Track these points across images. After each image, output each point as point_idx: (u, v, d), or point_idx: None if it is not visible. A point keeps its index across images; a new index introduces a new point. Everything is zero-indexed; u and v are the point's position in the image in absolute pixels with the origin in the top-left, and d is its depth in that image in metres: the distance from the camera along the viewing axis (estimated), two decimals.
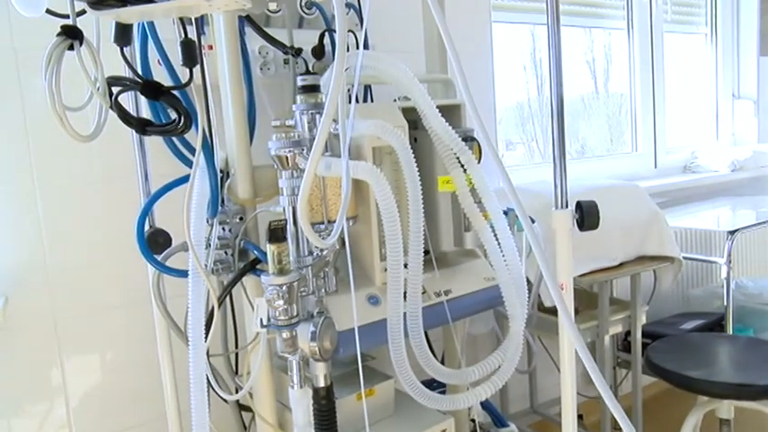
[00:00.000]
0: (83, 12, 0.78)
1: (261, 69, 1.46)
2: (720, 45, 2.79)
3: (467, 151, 1.07)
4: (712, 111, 2.84)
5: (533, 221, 1.39)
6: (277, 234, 0.85)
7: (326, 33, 1.45)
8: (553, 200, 1.06)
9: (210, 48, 1.27)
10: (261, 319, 0.88)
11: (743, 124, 2.84)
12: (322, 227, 1.01)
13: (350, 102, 0.97)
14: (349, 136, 0.93)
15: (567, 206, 1.06)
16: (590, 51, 2.50)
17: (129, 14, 0.78)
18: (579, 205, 1.04)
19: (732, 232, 1.88)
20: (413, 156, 1.00)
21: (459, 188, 1.10)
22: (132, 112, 1.11)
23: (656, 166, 2.59)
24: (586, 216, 1.03)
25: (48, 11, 0.78)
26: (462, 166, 1.09)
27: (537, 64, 2.34)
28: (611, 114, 2.59)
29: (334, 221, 0.99)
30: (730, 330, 1.94)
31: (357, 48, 1.48)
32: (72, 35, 0.73)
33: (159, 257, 1.11)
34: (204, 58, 1.09)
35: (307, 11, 1.52)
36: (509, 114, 2.31)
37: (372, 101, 1.44)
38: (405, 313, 1.02)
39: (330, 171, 0.89)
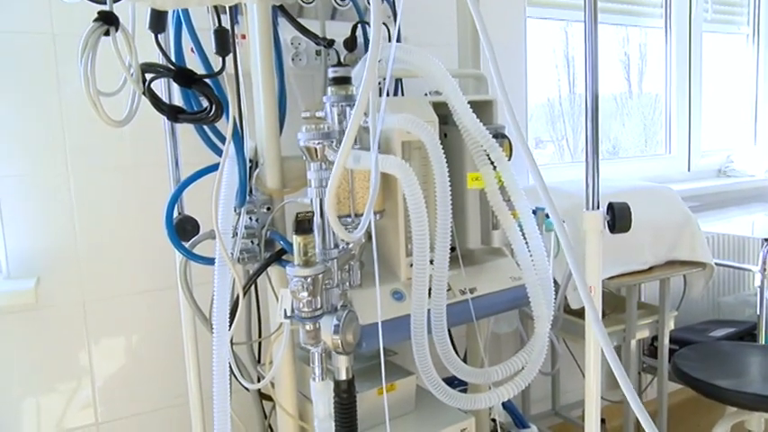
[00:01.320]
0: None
1: (293, 60, 1.46)
2: (763, 46, 2.71)
3: (497, 148, 1.06)
4: (751, 113, 2.77)
5: (563, 221, 1.37)
6: (304, 225, 0.85)
7: (359, 25, 1.44)
8: (584, 200, 1.04)
9: (243, 37, 1.28)
10: (285, 310, 0.88)
11: None
12: (349, 220, 1.00)
13: (380, 95, 0.97)
14: (379, 129, 0.92)
15: (598, 207, 1.04)
16: (625, 49, 2.45)
17: (165, 2, 0.78)
18: (611, 207, 1.02)
19: (767, 239, 1.83)
20: (442, 151, 0.99)
21: (488, 185, 1.08)
22: (165, 99, 1.12)
23: (689, 169, 2.53)
24: (618, 218, 1.00)
25: None
26: (492, 163, 1.07)
27: (569, 62, 2.30)
28: (645, 114, 2.54)
29: (362, 215, 0.98)
30: (762, 340, 1.89)
31: (390, 40, 1.47)
32: (108, 21, 0.73)
33: (187, 244, 1.12)
34: (237, 48, 1.10)
35: (340, 2, 1.51)
36: (539, 112, 2.28)
37: (403, 94, 1.43)
38: (429, 310, 1.02)
39: (359, 164, 0.88)
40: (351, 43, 1.44)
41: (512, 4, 1.90)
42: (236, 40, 1.24)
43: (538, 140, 2.32)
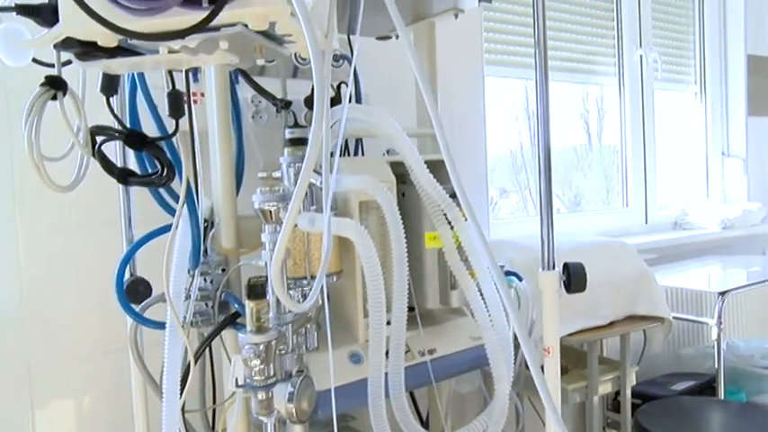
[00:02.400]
0: (69, 62, 0.78)
1: (253, 117, 1.46)
2: (710, 103, 2.84)
3: (454, 208, 1.06)
4: (702, 168, 2.87)
5: (521, 279, 1.38)
6: (256, 290, 0.83)
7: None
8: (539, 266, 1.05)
9: (202, 95, 1.28)
10: (236, 379, 0.85)
11: (733, 182, 2.86)
12: (305, 282, 0.99)
13: (339, 156, 0.97)
14: (332, 192, 0.92)
15: (554, 267, 1.05)
16: (583, 104, 2.53)
17: (118, 66, 0.77)
18: (566, 267, 1.03)
19: (723, 293, 1.87)
20: (399, 212, 0.99)
21: (445, 245, 1.08)
22: (120, 157, 1.11)
23: (646, 222, 2.59)
24: (574, 278, 1.01)
25: (34, 60, 0.78)
26: (449, 222, 1.08)
27: (529, 114, 2.36)
28: (606, 166, 2.61)
29: None
30: (722, 394, 1.90)
31: (350, 100, 1.49)
32: (56, 86, 0.72)
33: (138, 307, 1.09)
34: (194, 106, 1.09)
35: (301, 61, 1.53)
36: (503, 162, 2.32)
37: (363, 153, 1.44)
38: (387, 373, 0.99)
39: (313, 227, 0.87)
40: (311, 102, 1.45)
41: (470, 64, 1.95)
42: (195, 98, 1.24)
43: (502, 190, 2.35)
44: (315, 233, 0.96)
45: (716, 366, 1.90)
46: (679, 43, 2.74)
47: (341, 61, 1.55)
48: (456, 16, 1.30)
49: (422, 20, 1.37)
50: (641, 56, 2.52)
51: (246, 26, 0.66)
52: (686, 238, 2.49)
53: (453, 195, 1.11)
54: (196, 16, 0.61)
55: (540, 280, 1.04)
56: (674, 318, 1.80)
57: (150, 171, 0.96)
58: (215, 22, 0.62)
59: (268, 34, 0.70)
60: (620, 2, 2.47)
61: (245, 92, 1.39)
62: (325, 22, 0.75)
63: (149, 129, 1.08)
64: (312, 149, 0.57)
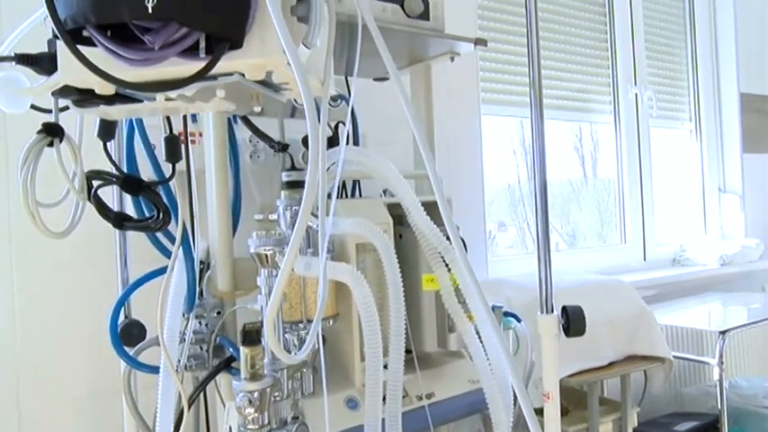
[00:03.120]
0: (66, 107, 0.78)
1: (251, 157, 1.46)
2: (705, 140, 2.86)
3: (451, 250, 1.06)
4: (699, 204, 2.87)
5: (519, 320, 1.36)
6: (251, 336, 0.82)
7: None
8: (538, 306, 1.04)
9: (200, 135, 1.28)
10: (230, 427, 0.83)
11: (730, 218, 2.86)
12: (301, 326, 0.98)
13: (335, 198, 0.97)
14: (328, 235, 0.92)
15: (552, 310, 1.04)
16: (577, 138, 2.55)
17: (115, 112, 0.78)
18: (565, 310, 1.02)
19: (723, 332, 1.85)
20: (396, 254, 0.99)
21: (443, 288, 1.07)
22: (116, 201, 1.10)
23: (645, 259, 2.58)
24: (572, 322, 1.00)
25: (32, 106, 0.78)
26: (447, 264, 1.07)
27: (526, 149, 2.38)
28: (602, 199, 2.61)
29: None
30: None
31: (347, 139, 1.50)
32: (52, 133, 0.72)
33: (132, 351, 1.07)
34: (191, 146, 1.10)
35: (298, 101, 1.54)
36: (501, 196, 2.33)
37: (360, 194, 1.44)
38: (384, 419, 0.98)
39: (309, 271, 0.87)
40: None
41: (467, 102, 1.97)
42: (193, 139, 1.24)
43: (500, 224, 2.35)
44: (311, 277, 0.96)
45: (719, 406, 1.87)
46: (673, 81, 2.78)
47: (339, 101, 1.56)
48: (452, 59, 1.32)
49: (418, 63, 1.39)
50: (636, 94, 2.55)
51: (243, 75, 0.67)
52: (685, 275, 2.48)
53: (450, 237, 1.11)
54: (193, 66, 0.62)
55: (538, 324, 1.03)
56: (674, 357, 1.78)
57: (147, 214, 0.95)
58: (212, 72, 0.62)
59: (265, 82, 0.71)
60: (615, 41, 2.51)
61: (242, 131, 1.40)
62: (321, 69, 0.75)
63: (146, 169, 1.08)
64: (307, 200, 0.56)
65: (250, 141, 1.46)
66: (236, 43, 0.61)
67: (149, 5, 0.56)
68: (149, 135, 1.08)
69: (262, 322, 0.86)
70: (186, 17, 0.57)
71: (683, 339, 2.15)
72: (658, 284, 2.38)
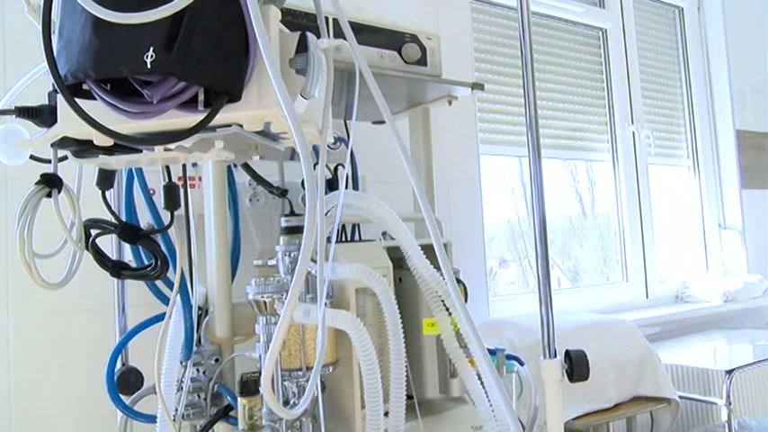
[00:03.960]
0: (65, 157, 0.79)
1: (250, 200, 1.47)
2: (703, 177, 2.87)
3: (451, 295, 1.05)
4: (700, 241, 2.87)
5: (522, 363, 1.34)
6: (249, 387, 0.81)
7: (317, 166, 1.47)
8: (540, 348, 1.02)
9: (200, 179, 1.29)
10: None
11: (731, 254, 2.85)
12: (300, 374, 0.96)
13: (333, 242, 0.97)
14: (327, 281, 0.91)
15: (555, 355, 1.02)
16: (574, 176, 2.55)
17: (114, 162, 0.78)
18: (568, 355, 1.00)
19: (730, 371, 1.83)
20: (396, 298, 0.98)
21: (443, 332, 1.06)
22: (115, 248, 1.10)
23: (647, 296, 2.57)
24: (576, 367, 0.99)
25: (31, 156, 0.79)
26: (447, 309, 1.06)
27: (524, 185, 2.38)
28: (602, 235, 2.61)
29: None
30: None
31: (346, 181, 1.50)
32: (51, 183, 0.72)
33: (129, 400, 1.05)
34: (191, 190, 1.10)
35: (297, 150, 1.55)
36: (501, 232, 2.32)
37: (360, 237, 1.44)
38: None
39: (308, 319, 0.86)
40: None
41: (465, 143, 1.98)
42: (191, 182, 1.24)
43: (501, 260, 2.34)
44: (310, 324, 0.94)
45: None
46: (670, 119, 2.80)
47: (338, 144, 1.58)
48: (450, 103, 1.34)
49: (416, 106, 1.40)
50: (633, 132, 2.57)
51: (242, 126, 0.67)
52: (688, 312, 2.46)
53: (457, 280, 1.10)
54: (192, 119, 0.63)
55: (541, 369, 1.02)
56: (680, 398, 1.75)
57: (145, 262, 0.95)
58: (210, 123, 0.63)
59: (263, 132, 0.71)
60: (610, 81, 2.54)
61: (242, 174, 1.41)
62: (320, 118, 0.76)
63: (145, 212, 1.08)
64: (306, 250, 0.56)
65: (249, 185, 1.46)
66: (234, 96, 0.62)
67: (148, 61, 0.57)
68: (148, 180, 1.09)
69: (260, 372, 0.85)
70: (185, 72, 0.58)
71: (688, 379, 2.12)
72: (661, 322, 2.36)
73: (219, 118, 0.63)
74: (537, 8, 2.31)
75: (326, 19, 1.09)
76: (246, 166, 1.29)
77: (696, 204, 2.87)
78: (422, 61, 1.22)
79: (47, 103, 0.73)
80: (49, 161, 0.79)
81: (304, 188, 1.47)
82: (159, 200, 1.07)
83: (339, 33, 0.79)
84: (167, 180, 0.91)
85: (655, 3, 2.81)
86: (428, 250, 1.06)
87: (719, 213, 2.88)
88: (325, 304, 0.82)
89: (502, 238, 2.33)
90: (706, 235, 2.86)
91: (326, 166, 1.44)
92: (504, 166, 2.32)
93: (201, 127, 0.60)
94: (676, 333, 2.40)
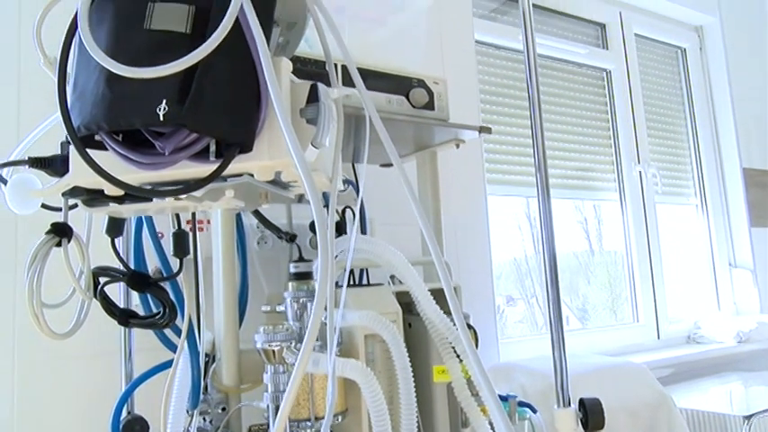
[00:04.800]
0: (75, 205, 0.79)
1: (258, 243, 1.46)
2: (712, 216, 2.85)
3: (461, 341, 1.03)
4: (711, 280, 2.84)
5: (535, 411, 1.31)
6: None
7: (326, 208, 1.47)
8: (554, 396, 1.00)
9: (208, 222, 1.29)
10: None
11: (743, 294, 2.81)
12: (309, 423, 0.94)
13: (344, 289, 0.96)
14: (338, 331, 0.90)
15: (569, 403, 1.00)
16: (581, 213, 2.54)
17: (124, 210, 0.78)
18: (582, 403, 0.98)
19: (748, 417, 1.78)
20: (406, 345, 0.96)
21: (454, 379, 1.04)
22: (123, 296, 1.09)
23: (658, 337, 2.53)
24: (591, 416, 0.96)
25: (42, 205, 0.79)
26: (458, 355, 1.04)
27: (531, 222, 2.37)
28: (610, 272, 2.58)
29: (322, 417, 0.93)
30: None
31: (353, 222, 1.50)
32: (61, 233, 0.72)
33: None
34: (199, 233, 1.10)
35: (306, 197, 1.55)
36: (507, 269, 2.30)
37: (368, 280, 1.43)
38: None
39: (318, 368, 0.84)
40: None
41: (472, 184, 1.99)
42: (200, 225, 1.24)
43: (509, 298, 2.32)
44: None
45: None
46: (676, 158, 2.81)
47: (346, 186, 1.58)
48: (457, 146, 1.34)
49: (424, 150, 1.41)
50: (640, 172, 2.57)
51: (252, 175, 0.67)
52: (702, 354, 2.41)
53: (468, 326, 1.08)
54: (203, 169, 0.63)
55: (555, 419, 0.99)
56: None
57: (153, 309, 0.94)
58: (222, 174, 0.63)
59: (274, 181, 0.71)
60: (616, 121, 2.56)
61: (250, 217, 1.41)
62: (330, 166, 0.76)
63: (153, 256, 1.08)
64: (318, 306, 0.55)
65: (258, 227, 1.46)
66: (246, 147, 0.62)
67: (161, 113, 0.57)
68: (157, 222, 1.09)
69: (268, 424, 0.83)
70: (197, 124, 0.58)
71: (704, 424, 2.06)
72: (674, 364, 2.31)
73: (230, 168, 0.63)
74: (541, 50, 2.34)
75: (336, 65, 1.10)
76: (255, 211, 1.30)
77: (705, 243, 2.85)
78: (429, 105, 1.23)
79: (59, 152, 0.73)
80: (59, 209, 0.79)
81: (312, 231, 1.48)
82: (167, 243, 1.07)
83: (348, 79, 0.80)
84: (177, 226, 0.91)
85: (657, 44, 2.84)
86: (438, 294, 1.05)
87: (729, 252, 2.86)
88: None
89: (509, 276, 2.31)
90: (716, 274, 2.83)
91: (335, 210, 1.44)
92: (511, 203, 2.32)
93: (213, 178, 0.60)
94: (690, 375, 2.35)
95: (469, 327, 1.13)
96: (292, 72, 0.70)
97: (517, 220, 2.36)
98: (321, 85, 0.68)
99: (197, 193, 0.69)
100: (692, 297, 2.76)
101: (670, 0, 2.76)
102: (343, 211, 1.46)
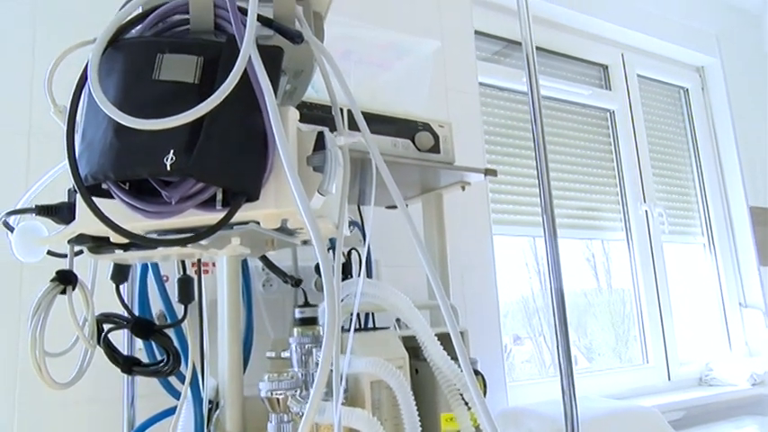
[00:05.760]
0: (81, 251, 0.78)
1: (263, 286, 1.45)
2: (720, 255, 2.83)
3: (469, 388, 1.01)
4: (721, 320, 2.80)
5: None
6: None
7: (331, 251, 1.47)
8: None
9: (213, 264, 1.28)
10: None
11: (755, 334, 2.77)
12: None
13: (351, 337, 0.94)
14: (344, 379, 0.88)
15: None
16: (589, 251, 2.53)
17: (129, 257, 0.78)
18: None
19: None
20: (413, 391, 0.94)
21: (463, 428, 1.02)
22: (127, 343, 1.08)
23: (669, 379, 2.48)
24: None
25: (48, 252, 0.78)
26: (466, 402, 1.02)
27: (538, 260, 2.36)
28: (617, 310, 2.55)
29: None
30: None
31: (360, 264, 1.49)
32: (66, 281, 0.72)
33: None
34: (204, 276, 1.09)
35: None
36: (515, 308, 2.28)
37: (374, 323, 1.41)
38: None
39: (323, 417, 0.83)
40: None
41: (478, 224, 1.98)
42: (205, 267, 1.24)
43: (516, 337, 2.28)
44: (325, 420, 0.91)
45: None
46: (682, 197, 2.80)
47: (352, 228, 1.58)
48: (463, 188, 1.34)
49: (430, 192, 1.41)
50: (646, 211, 2.56)
51: (259, 224, 0.67)
52: (715, 396, 2.36)
53: (475, 372, 1.07)
54: (209, 217, 0.62)
55: None
56: None
57: (157, 356, 0.93)
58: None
59: (280, 228, 0.71)
60: (621, 160, 2.56)
61: (255, 259, 1.40)
62: (336, 212, 0.76)
63: (157, 301, 1.07)
64: (326, 360, 0.54)
65: (263, 270, 1.45)
66: (252, 196, 0.62)
67: (168, 163, 0.57)
68: (162, 265, 1.09)
69: None
70: (205, 174, 0.58)
71: None
72: (686, 407, 2.26)
73: (237, 216, 0.63)
74: (544, 92, 2.37)
75: (342, 110, 1.11)
76: (261, 255, 1.29)
77: (714, 282, 2.82)
78: (435, 149, 1.23)
79: (66, 198, 0.73)
80: (64, 256, 0.79)
81: (318, 273, 1.47)
82: (172, 286, 1.06)
83: (354, 123, 0.80)
84: (182, 271, 0.91)
85: (660, 84, 2.87)
86: (445, 339, 1.04)
87: (739, 291, 2.83)
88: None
89: (515, 314, 2.29)
90: (727, 314, 2.79)
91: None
92: (517, 242, 2.31)
93: (220, 228, 0.60)
94: (703, 419, 2.29)
95: (477, 373, 1.12)
96: (299, 115, 0.70)
97: (524, 256, 2.35)
98: (328, 133, 0.68)
99: (203, 242, 0.68)
100: (702, 338, 2.71)
101: (671, 41, 2.79)
102: (349, 253, 1.46)
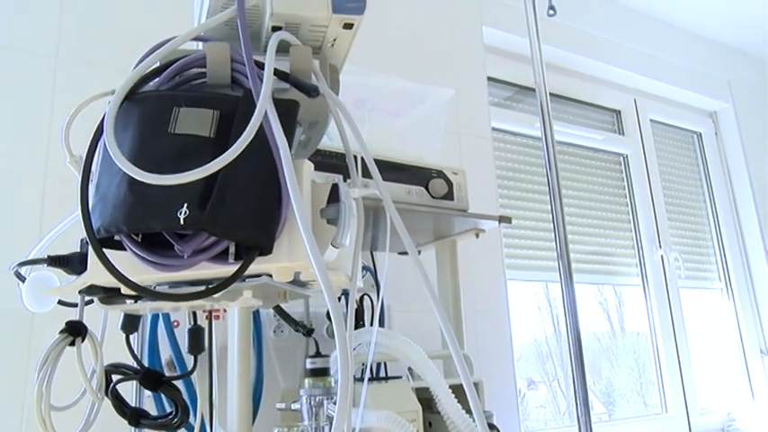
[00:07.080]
0: (91, 301, 0.78)
1: (274, 332, 1.44)
2: (738, 300, 2.78)
3: None
4: (742, 367, 2.72)
5: None
6: None
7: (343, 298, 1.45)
8: None
9: (225, 310, 1.27)
10: None
11: None
12: None
13: (365, 391, 0.92)
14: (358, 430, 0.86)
15: None
16: (600, 293, 2.48)
17: (140, 308, 0.77)
18: None
19: None
20: None
21: None
22: (135, 394, 1.07)
23: (690, 429, 2.40)
24: None
25: (59, 302, 0.78)
26: None
27: (551, 303, 2.32)
28: (632, 355, 2.49)
29: None
30: None
31: (372, 308, 1.47)
32: (75, 332, 0.71)
33: None
34: (215, 322, 1.08)
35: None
36: (528, 351, 2.23)
37: (386, 372, 1.39)
38: None
39: None
40: None
41: (492, 270, 1.96)
42: (216, 313, 1.22)
43: (530, 381, 2.23)
44: None
45: None
46: (698, 242, 2.77)
47: (364, 273, 1.56)
48: (477, 236, 1.33)
49: (444, 239, 1.40)
50: (662, 256, 2.53)
51: (271, 276, 0.66)
52: None
53: (490, 426, 1.04)
54: (221, 270, 0.62)
55: None
56: None
57: (166, 408, 0.91)
58: None
59: (293, 281, 0.70)
60: (635, 205, 2.55)
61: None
62: (350, 264, 0.75)
63: (166, 348, 1.05)
64: (340, 419, 0.52)
65: (274, 316, 1.44)
66: (265, 250, 0.61)
67: (181, 217, 0.57)
68: (172, 314, 1.07)
69: None
70: (218, 228, 0.57)
71: None
72: None
73: (249, 269, 0.62)
74: (557, 137, 2.36)
75: (355, 158, 1.11)
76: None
77: (733, 328, 2.76)
78: (448, 196, 1.23)
79: (79, 248, 0.73)
80: (75, 305, 0.78)
81: (329, 319, 1.45)
82: (182, 332, 1.05)
83: (368, 171, 0.80)
84: (193, 321, 0.90)
85: (673, 129, 2.87)
86: (459, 390, 1.01)
87: (760, 337, 2.76)
88: None
89: (529, 358, 2.24)
90: (747, 361, 2.72)
91: None
92: (531, 285, 2.28)
93: (232, 281, 0.59)
94: None
95: (492, 427, 1.08)
96: (313, 163, 0.70)
97: (537, 299, 2.31)
98: (342, 185, 0.68)
99: (215, 295, 0.67)
100: (723, 386, 2.64)
101: (683, 87, 2.80)
102: (361, 299, 1.44)
